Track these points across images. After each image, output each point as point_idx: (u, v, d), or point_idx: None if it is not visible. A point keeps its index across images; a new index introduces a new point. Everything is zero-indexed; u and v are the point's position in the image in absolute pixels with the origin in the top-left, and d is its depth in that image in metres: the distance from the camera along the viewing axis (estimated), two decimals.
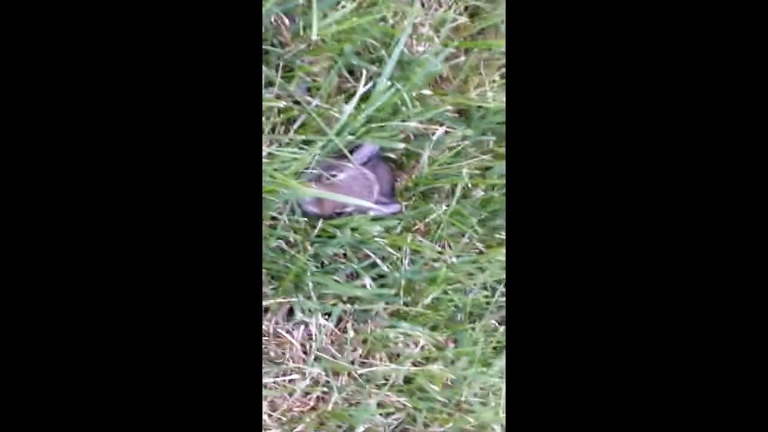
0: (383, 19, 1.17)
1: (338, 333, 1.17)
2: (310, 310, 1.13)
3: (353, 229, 1.13)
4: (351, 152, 1.15)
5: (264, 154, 1.10)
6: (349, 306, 1.15)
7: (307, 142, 1.13)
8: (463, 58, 1.22)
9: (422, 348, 1.17)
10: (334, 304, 1.14)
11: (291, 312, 1.15)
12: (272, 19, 1.13)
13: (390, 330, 1.15)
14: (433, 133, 1.20)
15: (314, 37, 1.10)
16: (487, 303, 1.22)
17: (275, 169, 1.06)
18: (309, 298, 1.12)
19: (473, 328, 1.21)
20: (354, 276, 1.16)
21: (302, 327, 1.15)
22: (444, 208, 1.18)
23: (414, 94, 1.19)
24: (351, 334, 1.15)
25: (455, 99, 1.20)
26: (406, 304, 1.16)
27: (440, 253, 1.20)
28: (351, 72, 1.19)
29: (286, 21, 1.14)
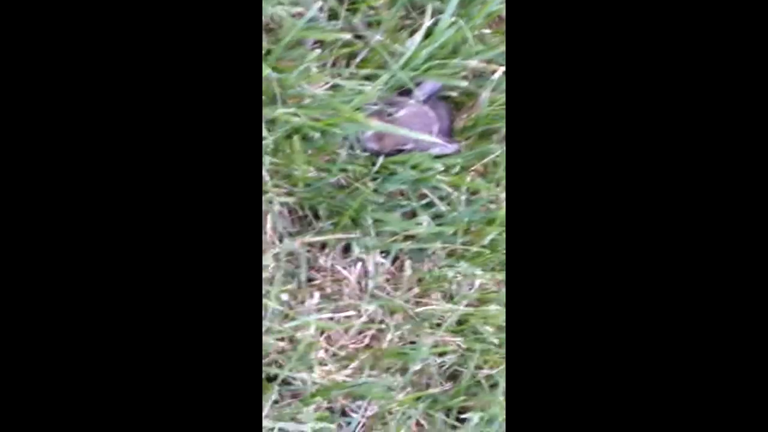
0: None
1: (395, 271, 1.15)
2: (367, 247, 1.11)
3: (413, 167, 1.11)
4: (411, 89, 1.13)
5: (326, 86, 1.08)
6: (407, 244, 1.12)
7: (368, 78, 1.11)
8: None
9: (478, 289, 1.15)
10: (392, 242, 1.12)
11: (347, 248, 1.13)
12: None
13: (447, 269, 1.14)
14: (493, 73, 1.17)
15: None
16: None
17: (337, 103, 1.04)
18: (368, 234, 1.10)
19: None
20: (412, 215, 1.14)
21: (359, 264, 1.13)
22: (503, 147, 1.15)
23: (475, 32, 1.16)
24: (408, 272, 1.13)
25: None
26: (463, 244, 1.14)
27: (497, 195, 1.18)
28: (414, 8, 1.17)
29: None
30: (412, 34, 1.13)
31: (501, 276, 1.15)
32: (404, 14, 1.17)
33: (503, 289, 1.16)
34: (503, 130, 1.18)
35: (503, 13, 1.20)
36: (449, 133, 1.18)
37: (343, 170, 1.10)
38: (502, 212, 1.14)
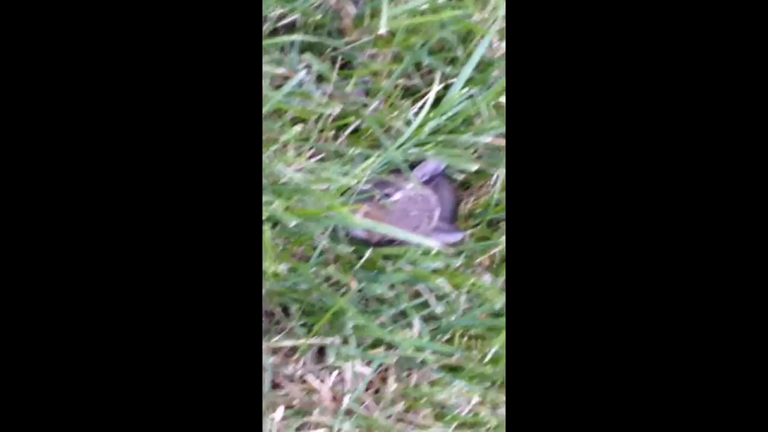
0: (468, 15, 0.97)
1: (376, 383, 0.98)
2: (346, 356, 0.94)
3: (406, 262, 0.94)
4: (412, 167, 0.96)
5: (308, 164, 0.91)
6: (392, 353, 0.95)
7: (360, 155, 0.94)
8: None
9: (474, 409, 0.98)
10: (372, 345, 0.94)
11: (321, 352, 0.96)
12: (332, 2, 0.94)
13: (439, 385, 0.96)
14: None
15: (382, 31, 0.90)
16: None
17: (318, 191, 0.87)
18: (346, 342, 0.93)
19: None
20: (402, 317, 0.96)
21: (334, 373, 0.95)
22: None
23: (492, 102, 0.99)
24: (392, 386, 0.96)
25: None
26: (461, 357, 0.97)
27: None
28: (419, 74, 1.00)
29: (349, 5, 0.95)
30: (415, 102, 0.95)
31: (498, 400, 0.97)
32: (407, 81, 0.99)
33: (502, 410, 0.99)
34: None
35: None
36: (453, 220, 1.01)
37: (321, 266, 0.92)
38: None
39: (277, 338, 0.94)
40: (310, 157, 0.93)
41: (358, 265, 0.95)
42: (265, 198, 0.87)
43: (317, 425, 0.96)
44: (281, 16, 0.93)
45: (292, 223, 0.88)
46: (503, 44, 1.02)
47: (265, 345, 0.93)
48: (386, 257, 0.95)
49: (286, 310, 0.95)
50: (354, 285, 0.92)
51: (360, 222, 0.89)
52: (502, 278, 1.00)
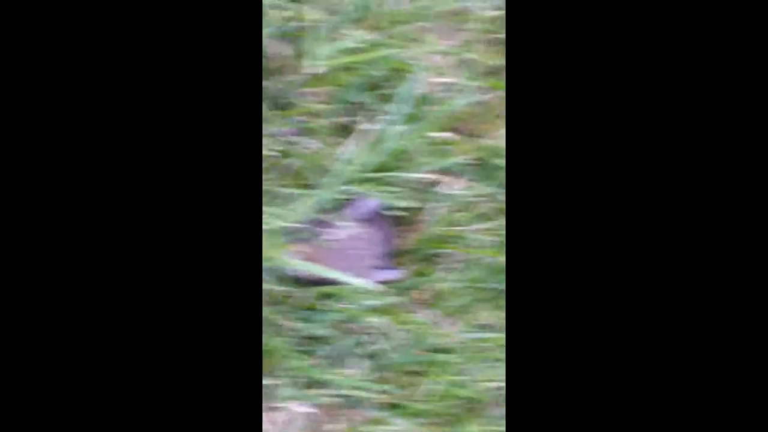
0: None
1: (319, 422, 0.98)
2: (284, 397, 0.93)
3: (344, 300, 0.94)
4: (349, 206, 0.96)
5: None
6: (334, 392, 0.95)
7: (298, 194, 0.94)
8: (490, 96, 1.02)
9: None
10: (309, 386, 0.94)
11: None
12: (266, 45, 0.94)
13: (380, 426, 0.96)
14: (445, 186, 1.01)
15: (318, 70, 0.90)
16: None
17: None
18: (285, 385, 0.92)
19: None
20: (340, 358, 0.97)
21: (284, 411, 0.95)
22: (453, 275, 0.98)
23: (429, 138, 0.99)
24: (337, 426, 0.96)
25: (475, 146, 1.01)
26: (397, 396, 0.97)
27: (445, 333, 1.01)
28: (354, 111, 1.00)
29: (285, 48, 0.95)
30: (351, 142, 0.95)
31: None
32: (342, 119, 0.99)
33: None
34: (455, 255, 1.01)
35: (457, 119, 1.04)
36: (390, 257, 1.01)
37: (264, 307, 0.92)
38: (449, 357, 0.97)
39: None
40: None
41: (298, 305, 0.94)
42: None
43: None
44: None
45: None
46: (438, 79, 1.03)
47: None
48: (324, 296, 0.95)
49: None
50: (294, 324, 0.92)
51: (298, 265, 0.89)
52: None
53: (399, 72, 0.99)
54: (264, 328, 0.93)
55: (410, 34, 1.00)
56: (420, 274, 1.02)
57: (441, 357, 0.98)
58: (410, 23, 0.99)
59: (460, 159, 1.00)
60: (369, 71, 0.98)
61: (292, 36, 0.95)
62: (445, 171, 1.01)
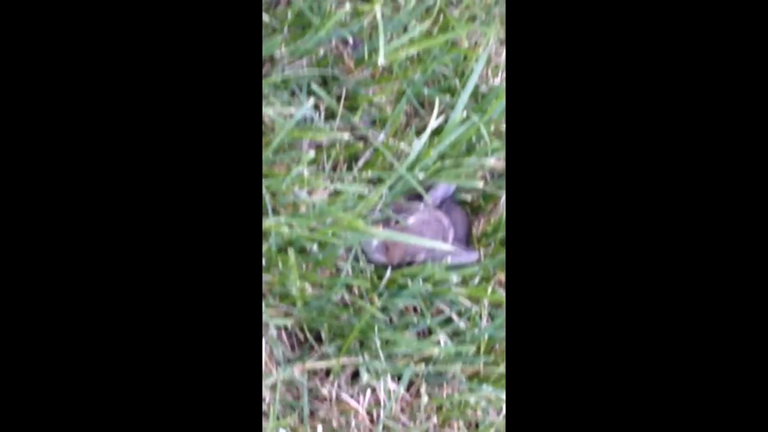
0: (455, 43, 1.04)
1: (410, 398, 1.01)
2: (377, 372, 0.97)
3: (426, 279, 0.98)
4: (421, 193, 1.01)
5: (324, 193, 0.97)
6: (422, 367, 0.99)
7: (373, 181, 1.00)
8: None
9: (506, 416, 1.01)
10: (404, 365, 0.98)
11: (356, 374, 1.00)
12: (333, 44, 1.01)
13: (469, 394, 0.99)
14: None
15: (381, 62, 0.97)
16: None
17: (337, 210, 0.92)
18: (376, 357, 0.96)
19: None
20: (427, 333, 1.01)
21: (369, 392, 0.99)
22: None
23: (492, 128, 1.05)
24: (425, 399, 0.99)
25: None
26: (486, 365, 1.00)
27: None
28: (421, 104, 1.06)
29: (349, 46, 1.02)
30: (420, 132, 1.01)
31: None
32: (411, 111, 1.05)
33: None
34: None
35: None
36: (466, 241, 1.06)
37: (347, 286, 0.97)
38: None
39: (310, 362, 0.98)
40: (326, 188, 0.99)
41: (381, 285, 0.99)
42: (285, 222, 0.93)
43: None
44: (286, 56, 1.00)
45: (314, 247, 0.94)
46: (498, 77, 1.09)
47: (299, 368, 0.97)
48: (405, 276, 1.00)
49: (317, 335, 0.99)
50: (377, 301, 0.97)
51: (381, 234, 0.94)
52: None
53: (463, 63, 1.05)
54: (348, 308, 0.98)
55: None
56: (496, 255, 1.06)
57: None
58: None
59: None
60: (432, 65, 1.04)
61: (355, 34, 1.02)
62: None
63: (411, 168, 1.00)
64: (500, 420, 1.02)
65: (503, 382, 1.01)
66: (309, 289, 0.95)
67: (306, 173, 0.94)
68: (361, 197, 0.96)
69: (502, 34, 1.10)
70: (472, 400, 1.00)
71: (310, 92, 1.00)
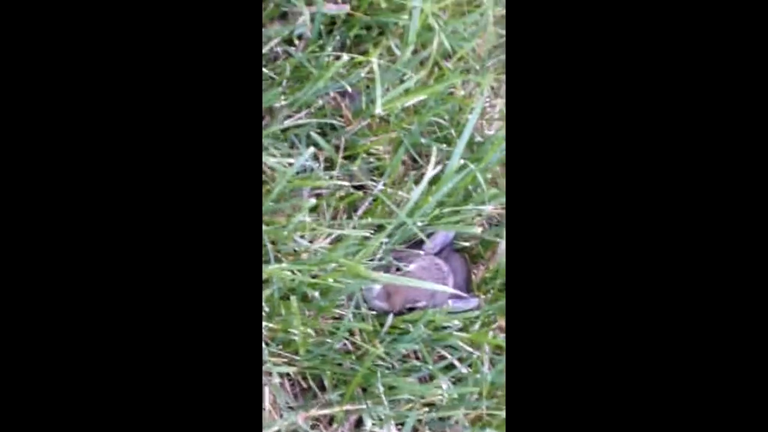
0: (450, 93, 1.06)
1: None
2: (380, 419, 0.97)
3: (427, 325, 0.99)
4: (421, 241, 1.02)
5: (326, 240, 0.98)
6: (425, 414, 0.99)
7: (372, 229, 1.01)
8: None
9: None
10: (407, 411, 0.98)
11: (359, 422, 1.00)
12: (331, 96, 1.03)
13: None
14: None
15: (378, 112, 0.99)
16: None
17: (338, 256, 0.94)
18: (380, 403, 0.97)
19: None
20: (429, 380, 1.01)
21: None
22: None
23: (489, 176, 1.07)
24: None
25: None
26: (489, 409, 1.01)
27: None
28: (418, 154, 1.08)
29: (346, 98, 1.04)
30: (418, 181, 1.02)
31: None
32: (408, 161, 1.07)
33: None
34: None
35: None
36: (466, 288, 1.07)
37: (349, 332, 0.98)
38: None
39: (313, 409, 0.98)
40: (328, 236, 1.00)
41: (383, 331, 1.00)
42: (287, 268, 0.94)
43: None
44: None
45: (317, 294, 0.95)
46: (493, 126, 1.12)
47: (302, 416, 0.97)
48: (406, 321, 1.01)
49: (320, 383, 1.00)
50: (379, 346, 0.97)
51: (383, 278, 0.95)
52: None
53: (458, 113, 1.07)
54: (350, 354, 0.99)
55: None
56: (496, 301, 1.07)
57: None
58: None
59: None
60: (428, 115, 1.06)
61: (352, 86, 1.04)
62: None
63: (410, 215, 1.01)
64: None
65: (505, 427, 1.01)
66: (312, 337, 0.96)
67: (307, 220, 0.95)
68: (362, 243, 0.97)
69: (495, 85, 1.12)
70: None
71: (309, 142, 1.02)
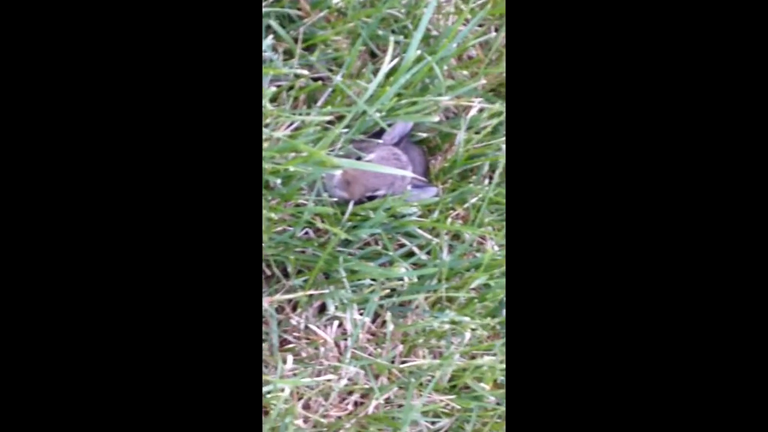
0: None
1: (375, 328, 1.04)
2: (343, 303, 1.00)
3: (387, 211, 1.01)
4: (380, 132, 1.04)
5: (287, 130, 1.00)
6: (386, 299, 1.02)
7: (331, 121, 1.03)
8: (493, 35, 1.12)
9: (470, 341, 1.04)
10: (370, 293, 1.01)
11: (322, 307, 1.03)
12: None
13: (433, 320, 1.03)
14: (467, 111, 1.09)
15: (335, 2, 1.00)
16: None
17: (300, 144, 0.95)
18: (342, 288, 0.99)
19: None
20: (389, 266, 1.04)
21: (336, 323, 1.02)
22: (485, 188, 1.06)
23: (445, 68, 1.08)
24: (390, 328, 1.02)
25: (488, 73, 1.10)
26: (448, 291, 1.04)
27: (482, 239, 1.08)
28: (376, 44, 1.09)
29: None
30: (375, 73, 1.04)
31: (493, 324, 1.04)
32: (366, 52, 1.09)
33: (498, 341, 1.05)
34: (484, 169, 1.09)
35: (475, 52, 1.13)
36: (425, 177, 1.09)
37: (310, 222, 1.00)
38: (488, 256, 1.03)
39: (278, 295, 1.00)
40: (290, 124, 1.01)
41: (344, 218, 1.02)
42: None
43: (325, 371, 1.02)
44: None
45: (278, 182, 0.97)
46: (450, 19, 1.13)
47: (267, 301, 0.99)
48: (366, 209, 1.03)
49: (283, 269, 1.02)
50: (341, 234, 0.99)
51: (344, 163, 0.96)
52: None
53: (415, 6, 1.08)
54: (312, 242, 1.01)
55: None
56: (454, 190, 1.09)
57: (487, 256, 1.05)
58: None
59: (477, 84, 1.09)
60: (386, 5, 1.07)
61: None
62: (464, 96, 1.10)
63: (369, 105, 1.03)
64: (463, 346, 1.05)
65: (466, 308, 1.04)
66: (274, 225, 0.98)
67: (269, 108, 0.97)
68: (322, 133, 0.98)
69: None
70: (435, 325, 1.03)
71: (268, 33, 1.02)
